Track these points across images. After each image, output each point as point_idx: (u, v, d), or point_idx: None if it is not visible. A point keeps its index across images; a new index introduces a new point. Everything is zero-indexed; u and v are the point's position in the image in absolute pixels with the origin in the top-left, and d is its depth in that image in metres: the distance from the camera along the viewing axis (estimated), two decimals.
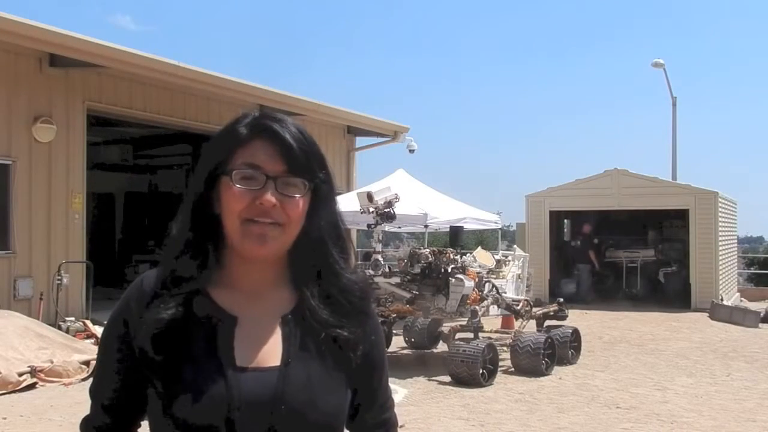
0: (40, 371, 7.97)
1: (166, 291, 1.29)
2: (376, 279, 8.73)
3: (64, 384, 7.90)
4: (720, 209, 16.59)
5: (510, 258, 12.41)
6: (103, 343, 1.39)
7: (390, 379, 1.48)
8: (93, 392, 1.39)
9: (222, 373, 1.24)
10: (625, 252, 18.68)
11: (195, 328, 1.27)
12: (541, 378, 8.62)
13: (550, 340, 9.09)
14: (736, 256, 20.80)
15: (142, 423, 1.38)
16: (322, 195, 1.33)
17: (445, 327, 10.32)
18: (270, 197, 1.26)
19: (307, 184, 1.30)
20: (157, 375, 1.26)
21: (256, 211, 1.26)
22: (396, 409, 1.49)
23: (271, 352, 1.28)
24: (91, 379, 1.43)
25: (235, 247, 1.29)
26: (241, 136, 1.31)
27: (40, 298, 10.48)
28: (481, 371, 8.09)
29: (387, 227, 9.87)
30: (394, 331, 10.38)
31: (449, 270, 8.97)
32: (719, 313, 14.63)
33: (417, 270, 8.97)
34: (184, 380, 1.24)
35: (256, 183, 1.27)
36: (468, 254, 11.02)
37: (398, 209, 9.02)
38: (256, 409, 1.23)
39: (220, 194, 1.29)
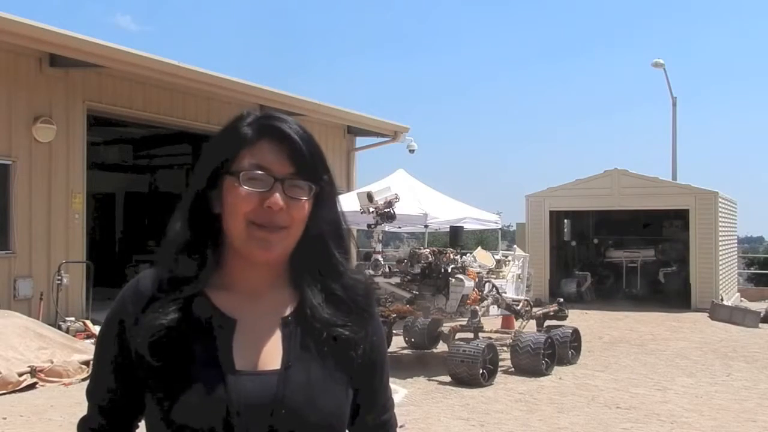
0: (40, 371, 7.97)
1: (163, 294, 1.27)
2: (376, 279, 8.73)
3: (64, 384, 7.90)
4: (720, 209, 16.59)
5: (510, 258, 12.42)
6: (99, 344, 1.38)
7: (390, 379, 1.47)
8: (89, 393, 1.38)
9: (221, 376, 1.23)
10: (625, 252, 18.70)
11: (194, 331, 1.26)
12: (541, 378, 8.62)
13: (550, 340, 9.09)
14: (736, 256, 20.80)
15: (139, 425, 1.37)
16: (325, 196, 1.32)
17: (445, 327, 10.32)
18: (278, 199, 1.24)
19: (313, 187, 1.28)
20: (155, 379, 1.25)
21: (263, 215, 1.25)
22: (396, 409, 1.49)
23: (271, 355, 1.27)
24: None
25: (239, 249, 1.28)
26: (247, 136, 1.29)
27: (40, 298, 10.48)
28: (481, 371, 8.09)
29: (387, 227, 9.87)
30: (394, 331, 10.37)
31: (449, 270, 8.97)
32: (719, 313, 14.63)
33: (417, 270, 8.97)
34: (182, 384, 1.22)
35: (263, 185, 1.25)
36: (468, 254, 11.02)
37: (398, 209, 9.02)
38: (255, 413, 1.21)
39: (222, 194, 1.27)
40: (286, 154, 1.27)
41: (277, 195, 1.24)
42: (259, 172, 1.25)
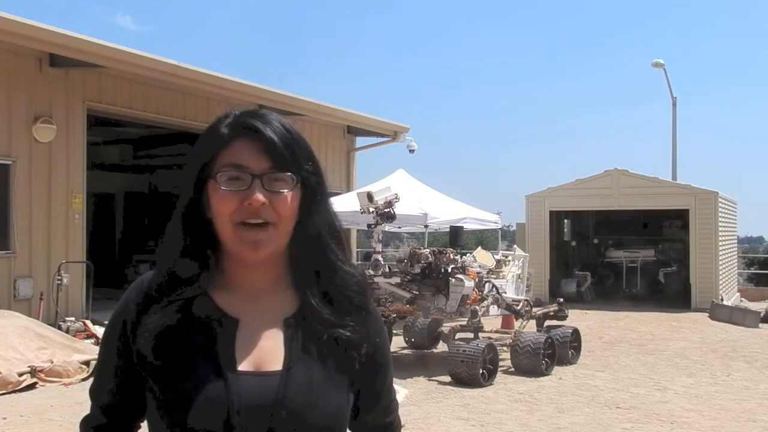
0: (40, 371, 7.97)
1: (166, 295, 1.27)
2: (376, 279, 8.73)
3: (64, 384, 7.90)
4: (720, 209, 16.60)
5: (510, 258, 12.43)
6: (103, 344, 1.38)
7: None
8: (92, 393, 1.38)
9: (222, 377, 1.23)
10: (625, 252, 18.71)
11: (196, 330, 1.26)
12: (541, 378, 8.62)
13: (550, 340, 9.09)
14: (736, 256, 20.82)
15: (141, 424, 1.37)
16: (312, 187, 1.31)
17: (445, 327, 10.32)
18: (258, 196, 1.23)
19: (295, 178, 1.27)
20: (156, 379, 1.25)
21: (247, 213, 1.24)
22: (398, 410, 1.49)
23: (273, 356, 1.27)
24: (91, 380, 1.43)
25: (231, 251, 1.28)
26: (223, 137, 1.28)
27: (40, 298, 10.49)
28: (481, 371, 8.09)
29: (387, 227, 9.88)
30: (394, 331, 10.37)
31: (449, 270, 8.97)
32: (719, 313, 14.64)
33: (417, 270, 8.97)
34: (183, 384, 1.23)
35: (242, 183, 1.25)
36: (468, 254, 11.03)
37: (398, 209, 9.02)
38: (256, 414, 1.21)
39: (209, 198, 1.27)
40: (262, 150, 1.26)
41: (257, 192, 1.24)
42: (236, 171, 1.25)
